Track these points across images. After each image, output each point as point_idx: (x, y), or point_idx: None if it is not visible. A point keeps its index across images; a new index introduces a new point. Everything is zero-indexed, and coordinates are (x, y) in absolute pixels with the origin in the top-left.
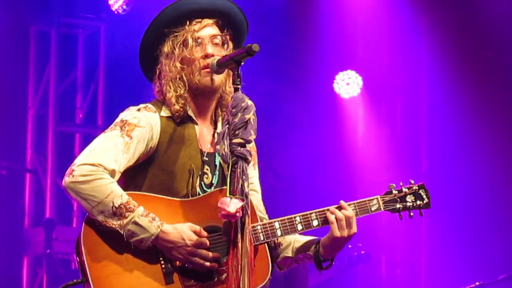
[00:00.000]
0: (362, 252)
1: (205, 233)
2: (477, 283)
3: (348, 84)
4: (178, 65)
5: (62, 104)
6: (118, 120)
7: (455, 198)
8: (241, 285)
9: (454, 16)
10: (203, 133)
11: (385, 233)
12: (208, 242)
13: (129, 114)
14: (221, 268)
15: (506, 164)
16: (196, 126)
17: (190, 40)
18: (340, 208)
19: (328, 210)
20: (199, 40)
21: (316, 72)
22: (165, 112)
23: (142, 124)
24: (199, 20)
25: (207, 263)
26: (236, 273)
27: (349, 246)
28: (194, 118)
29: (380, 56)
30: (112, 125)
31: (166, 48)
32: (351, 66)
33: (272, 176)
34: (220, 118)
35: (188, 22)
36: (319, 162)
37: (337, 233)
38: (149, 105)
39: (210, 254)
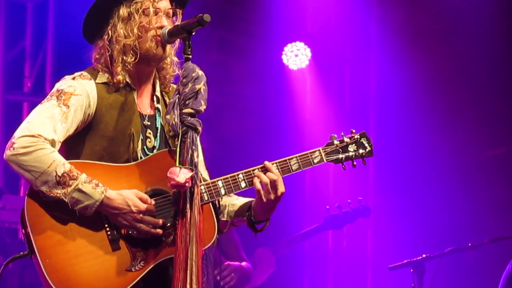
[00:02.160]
0: (360, 207)
1: (151, 200)
2: (424, 255)
3: (296, 56)
4: (136, 31)
5: (10, 73)
6: (54, 90)
7: (401, 170)
8: (189, 255)
9: None
10: (142, 97)
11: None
12: (154, 209)
13: (65, 83)
14: (167, 231)
15: (451, 133)
16: (134, 92)
17: (151, 10)
18: (265, 170)
19: (253, 173)
20: (157, 11)
21: (265, 43)
22: (100, 79)
23: (78, 92)
24: None
25: (153, 230)
26: (184, 243)
27: (348, 201)
28: (132, 84)
29: (329, 28)
30: (48, 96)
31: (123, 12)
32: (300, 38)
33: (220, 145)
34: (157, 81)
35: None
36: (267, 132)
37: (264, 198)
38: (84, 73)
39: (156, 220)
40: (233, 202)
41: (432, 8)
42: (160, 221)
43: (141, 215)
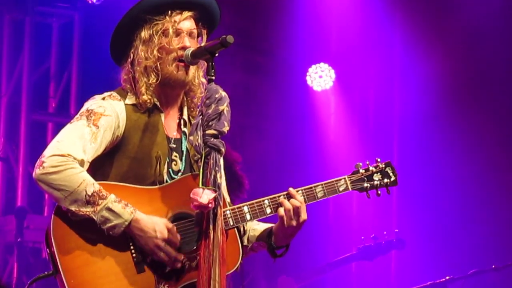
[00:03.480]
0: (394, 239)
1: (177, 236)
2: (447, 277)
3: (320, 77)
4: (156, 53)
5: (35, 93)
6: (83, 109)
7: (425, 194)
8: (212, 276)
9: (428, 10)
10: (169, 119)
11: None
12: (178, 243)
13: (95, 103)
14: (191, 255)
15: (474, 161)
16: (161, 114)
17: (170, 31)
18: (289, 196)
19: (278, 199)
20: (178, 31)
21: (289, 65)
22: (129, 100)
23: (108, 113)
24: (179, 11)
25: (170, 261)
26: (207, 264)
27: (384, 232)
28: (160, 106)
29: (353, 50)
30: (78, 115)
31: (144, 34)
32: (324, 59)
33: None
34: (186, 104)
35: (169, 12)
36: (291, 154)
37: (286, 224)
38: (114, 93)
39: (177, 255)
40: (254, 227)
41: (460, 30)
42: (182, 256)
43: (164, 243)
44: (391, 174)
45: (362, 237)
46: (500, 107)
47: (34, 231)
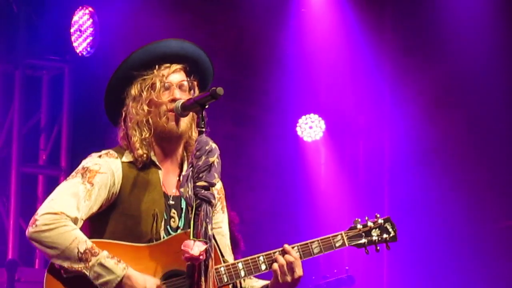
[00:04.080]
0: (345, 275)
1: None
2: None
3: (311, 128)
4: (146, 108)
5: (25, 145)
6: (79, 167)
7: (415, 240)
8: None
9: (418, 61)
10: (168, 176)
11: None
12: None
13: (90, 161)
14: None
15: (466, 204)
16: (159, 171)
17: (158, 84)
18: (284, 252)
19: (273, 255)
20: (167, 85)
21: (279, 116)
22: (126, 158)
23: (103, 170)
24: (168, 65)
25: None
26: None
27: (335, 270)
28: (158, 162)
29: (343, 100)
30: (73, 173)
31: (134, 91)
32: (314, 110)
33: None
34: (186, 161)
35: (157, 66)
36: (282, 204)
37: (280, 279)
38: (111, 151)
39: None
40: (252, 284)
41: (447, 76)
42: None
43: None
44: (390, 229)
45: (313, 277)
46: (493, 152)
47: (25, 283)
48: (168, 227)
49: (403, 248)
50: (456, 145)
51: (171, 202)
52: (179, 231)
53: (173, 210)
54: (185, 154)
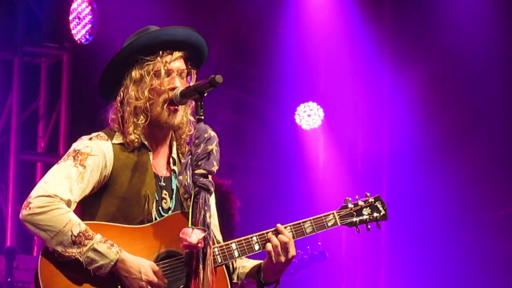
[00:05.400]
0: (315, 252)
1: (163, 278)
2: None
3: (309, 116)
4: (147, 94)
5: (24, 133)
6: (71, 150)
7: (413, 226)
8: None
9: (418, 48)
10: (158, 158)
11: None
12: (164, 284)
13: (81, 143)
14: None
15: (464, 193)
16: (149, 152)
17: (162, 71)
18: (277, 232)
19: (267, 236)
20: (169, 72)
21: (277, 103)
22: (117, 140)
23: (94, 153)
24: (170, 51)
25: None
26: None
27: (308, 247)
28: (148, 145)
29: (342, 88)
30: (65, 156)
31: (135, 74)
32: (313, 98)
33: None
34: (174, 143)
35: (161, 52)
36: (280, 192)
37: (274, 259)
38: (101, 134)
39: None
40: (244, 264)
41: (446, 63)
42: None
43: (149, 286)
44: (381, 208)
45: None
46: (491, 144)
47: (23, 271)
48: (160, 208)
49: (401, 233)
50: (455, 131)
51: (162, 183)
52: (170, 212)
53: (164, 191)
54: (173, 134)
